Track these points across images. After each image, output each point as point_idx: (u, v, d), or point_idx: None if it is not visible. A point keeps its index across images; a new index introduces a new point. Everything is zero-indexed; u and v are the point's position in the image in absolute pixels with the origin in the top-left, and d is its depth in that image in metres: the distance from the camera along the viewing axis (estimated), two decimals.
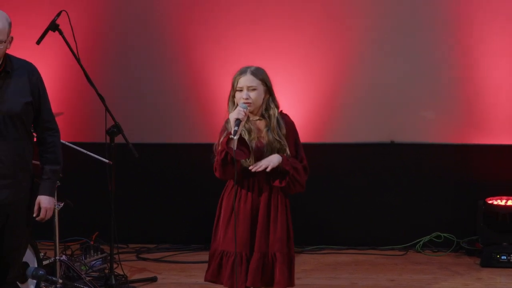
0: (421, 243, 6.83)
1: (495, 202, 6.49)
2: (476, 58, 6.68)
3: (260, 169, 4.19)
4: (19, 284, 5.02)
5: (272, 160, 4.21)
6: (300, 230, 6.67)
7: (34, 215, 4.16)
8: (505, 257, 6.29)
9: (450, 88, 6.76)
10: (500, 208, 6.44)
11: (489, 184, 6.68)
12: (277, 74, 6.69)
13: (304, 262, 6.52)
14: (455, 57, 6.72)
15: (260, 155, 4.24)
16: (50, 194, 4.19)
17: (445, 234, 6.79)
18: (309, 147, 6.76)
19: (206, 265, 4.45)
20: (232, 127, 4.12)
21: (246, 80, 4.26)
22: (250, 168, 4.21)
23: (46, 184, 4.19)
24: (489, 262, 6.32)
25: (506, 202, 6.49)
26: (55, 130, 4.24)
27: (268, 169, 4.19)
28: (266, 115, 4.29)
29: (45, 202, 4.16)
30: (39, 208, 4.16)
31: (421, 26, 6.72)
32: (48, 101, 4.21)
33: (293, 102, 6.70)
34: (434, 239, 6.82)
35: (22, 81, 4.08)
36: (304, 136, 6.77)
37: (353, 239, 6.92)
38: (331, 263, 6.56)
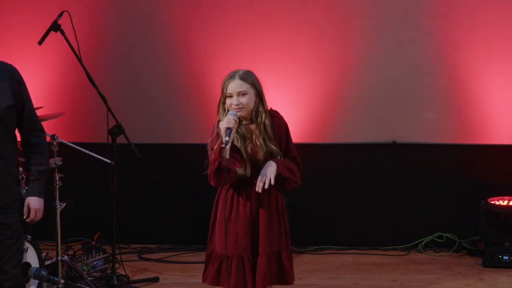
0: (423, 243, 6.83)
1: (497, 202, 6.48)
2: (478, 58, 6.67)
3: (266, 186, 4.12)
4: None
5: (270, 172, 4.13)
6: (302, 231, 6.69)
7: (24, 217, 4.07)
8: (507, 257, 6.28)
9: (452, 88, 6.75)
10: (502, 208, 6.43)
11: (491, 184, 6.67)
12: (279, 74, 6.76)
13: (306, 262, 6.51)
14: (457, 58, 6.71)
15: (255, 161, 4.17)
16: (39, 195, 4.09)
17: (447, 234, 6.79)
18: (310, 147, 6.81)
19: None
20: (223, 136, 4.03)
21: (235, 86, 4.14)
22: (257, 190, 4.13)
23: (34, 185, 4.08)
24: (491, 262, 6.31)
25: (508, 202, 6.48)
26: (39, 130, 4.12)
27: (272, 182, 4.12)
28: (255, 119, 4.18)
29: (34, 204, 4.06)
30: (29, 210, 4.06)
31: (423, 27, 6.71)
32: (31, 101, 4.09)
33: (294, 102, 6.70)
34: (436, 239, 6.81)
35: (3, 84, 3.94)
36: (306, 136, 6.80)
37: (355, 239, 6.92)
38: (333, 263, 6.56)
